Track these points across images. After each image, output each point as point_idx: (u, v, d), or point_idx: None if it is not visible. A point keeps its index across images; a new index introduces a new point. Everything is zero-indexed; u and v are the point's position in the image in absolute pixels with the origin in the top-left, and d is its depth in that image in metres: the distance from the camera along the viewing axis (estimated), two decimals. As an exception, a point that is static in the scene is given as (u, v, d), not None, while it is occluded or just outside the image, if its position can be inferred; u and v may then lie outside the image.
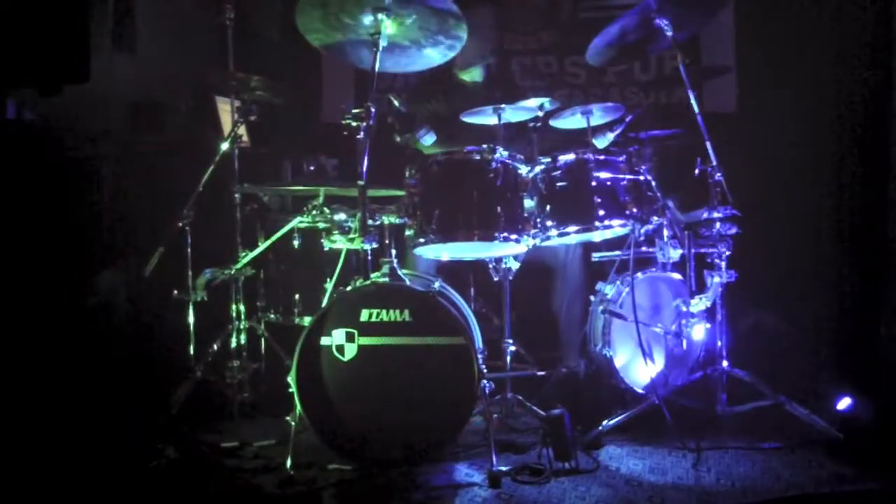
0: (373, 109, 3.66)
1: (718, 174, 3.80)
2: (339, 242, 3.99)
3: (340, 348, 3.52)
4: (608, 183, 3.91)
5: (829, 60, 4.93)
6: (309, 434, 3.55)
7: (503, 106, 3.99)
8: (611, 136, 4.24)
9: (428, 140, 4.29)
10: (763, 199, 4.89)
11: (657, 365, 4.16)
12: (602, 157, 3.93)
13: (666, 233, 4.09)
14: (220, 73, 4.73)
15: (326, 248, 4.06)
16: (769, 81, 5.71)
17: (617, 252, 4.18)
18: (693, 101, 3.89)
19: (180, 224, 4.30)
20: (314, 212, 4.13)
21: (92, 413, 3.99)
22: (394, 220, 3.99)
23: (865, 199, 4.47)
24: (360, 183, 3.62)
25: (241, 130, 4.62)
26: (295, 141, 5.73)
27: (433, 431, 3.51)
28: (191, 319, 4.38)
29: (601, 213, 3.86)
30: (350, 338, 3.52)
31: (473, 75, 5.11)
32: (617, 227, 3.92)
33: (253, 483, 3.49)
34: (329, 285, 4.08)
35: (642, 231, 3.98)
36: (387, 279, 3.70)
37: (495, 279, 4.18)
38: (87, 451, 3.67)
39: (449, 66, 4.90)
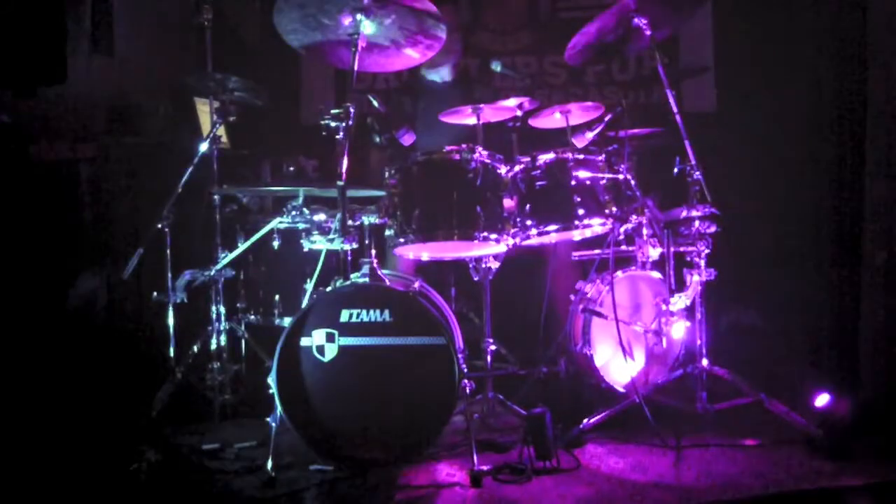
0: (352, 110, 3.66)
1: (697, 173, 3.82)
2: (318, 243, 3.99)
3: (321, 349, 3.52)
4: (588, 182, 3.92)
5: (806, 59, 4.96)
6: (290, 435, 3.54)
7: (482, 106, 4.00)
8: (590, 136, 4.24)
9: (407, 140, 4.29)
10: (742, 198, 4.92)
11: (637, 363, 4.17)
12: (581, 157, 3.95)
13: (645, 231, 4.10)
14: (198, 75, 4.71)
15: (306, 249, 4.05)
16: (748, 81, 5.74)
17: (597, 251, 4.20)
18: (671, 101, 3.89)
19: (159, 226, 4.28)
20: (294, 212, 4.12)
21: (72, 415, 3.98)
22: (374, 220, 3.99)
23: (843, 195, 4.50)
24: (340, 183, 3.62)
25: (220, 131, 4.60)
26: (274, 142, 5.72)
27: (414, 431, 3.51)
28: (171, 321, 4.36)
29: (581, 212, 3.87)
30: (330, 338, 3.52)
31: (442, 74, 5.10)
32: (596, 226, 3.93)
33: (234, 485, 3.48)
34: (309, 286, 4.07)
35: (622, 230, 4.00)
36: (367, 279, 3.70)
37: (475, 279, 4.19)
38: (67, 454, 3.66)
39: (416, 70, 4.91)
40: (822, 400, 3.79)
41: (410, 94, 5.09)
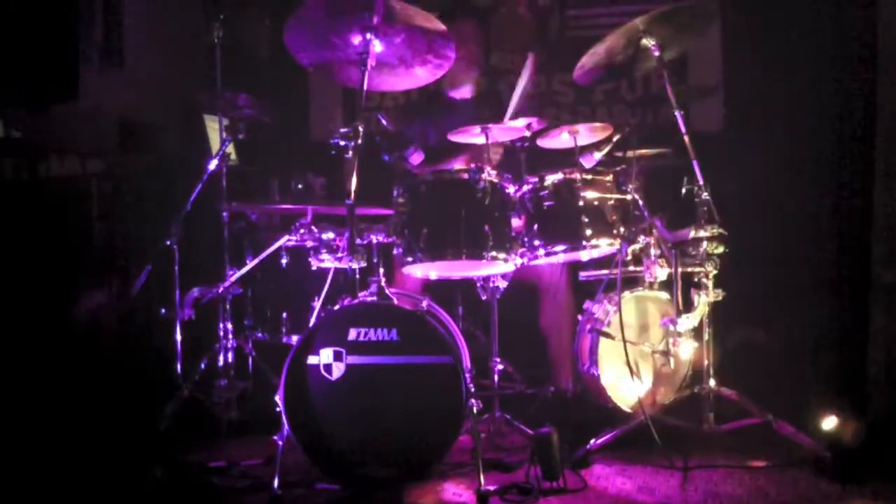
0: (361, 128, 3.67)
1: (705, 193, 3.82)
2: (326, 261, 4.00)
3: (328, 367, 3.52)
4: (595, 202, 3.94)
5: (815, 79, 4.96)
6: (296, 453, 3.54)
7: (490, 125, 4.01)
8: (598, 156, 4.25)
9: (416, 159, 4.30)
10: (750, 218, 4.91)
11: (645, 384, 4.16)
12: (589, 177, 3.96)
13: (653, 252, 4.10)
14: (208, 92, 4.73)
15: (314, 267, 4.06)
16: (756, 100, 5.74)
17: (604, 271, 4.19)
18: (680, 121, 3.90)
19: (168, 242, 4.30)
20: (302, 230, 4.14)
21: (78, 432, 3.98)
22: (382, 238, 3.99)
23: (852, 217, 4.49)
24: (349, 202, 3.63)
25: (230, 149, 4.61)
26: (283, 158, 5.73)
27: (421, 450, 3.51)
28: (178, 338, 4.37)
29: (588, 232, 3.89)
30: (338, 357, 3.52)
31: (463, 93, 5.13)
32: (604, 247, 3.94)
33: (241, 503, 3.48)
34: (317, 304, 4.08)
35: (629, 250, 4.00)
36: (375, 298, 3.71)
37: (483, 298, 4.19)
38: (73, 471, 3.66)
39: (438, 85, 4.92)
40: (829, 422, 3.78)
41: (431, 110, 5.11)
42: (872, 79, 4.18)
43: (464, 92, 5.14)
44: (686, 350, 3.94)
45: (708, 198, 3.82)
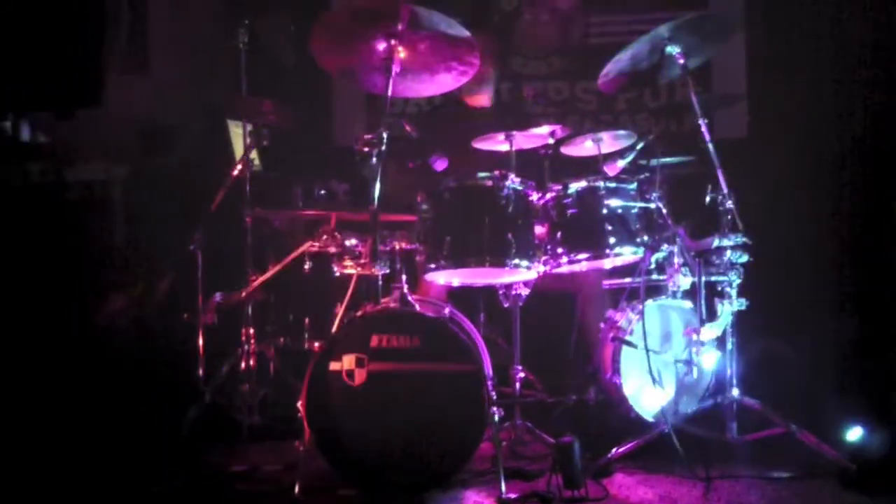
0: (385, 134, 3.67)
1: (729, 202, 3.80)
2: (349, 267, 3.99)
3: (350, 374, 3.52)
4: (619, 210, 3.93)
5: (841, 86, 4.95)
6: (318, 459, 3.54)
7: (514, 133, 4.00)
8: (621, 164, 4.23)
9: (440, 166, 4.29)
10: (774, 226, 4.88)
11: (667, 393, 4.14)
12: (613, 185, 3.96)
13: (676, 260, 4.07)
14: (232, 98, 4.75)
15: (337, 273, 4.06)
16: (781, 108, 5.71)
17: (627, 279, 4.18)
18: (704, 129, 3.89)
19: (191, 247, 4.31)
20: (325, 236, 4.14)
21: (101, 436, 4.00)
22: (405, 245, 3.99)
23: (878, 228, 4.47)
24: (372, 208, 3.63)
25: (253, 154, 4.63)
26: (307, 163, 5.75)
27: (442, 457, 3.50)
28: (200, 343, 4.38)
29: (612, 240, 3.88)
30: (360, 363, 3.52)
31: (481, 101, 5.11)
32: (627, 255, 3.93)
33: (261, 508, 3.50)
34: (339, 310, 4.08)
35: (653, 259, 3.98)
36: (397, 305, 3.71)
37: (505, 305, 4.18)
38: (96, 475, 3.67)
39: (457, 92, 4.91)
40: (854, 433, 3.75)
41: (447, 119, 5.10)
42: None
43: (482, 100, 5.12)
44: (709, 359, 3.93)
45: (732, 206, 3.80)
